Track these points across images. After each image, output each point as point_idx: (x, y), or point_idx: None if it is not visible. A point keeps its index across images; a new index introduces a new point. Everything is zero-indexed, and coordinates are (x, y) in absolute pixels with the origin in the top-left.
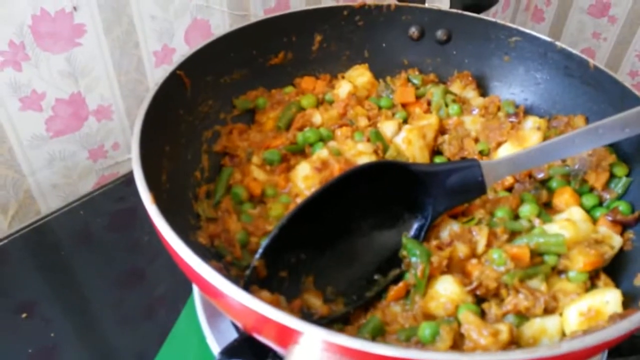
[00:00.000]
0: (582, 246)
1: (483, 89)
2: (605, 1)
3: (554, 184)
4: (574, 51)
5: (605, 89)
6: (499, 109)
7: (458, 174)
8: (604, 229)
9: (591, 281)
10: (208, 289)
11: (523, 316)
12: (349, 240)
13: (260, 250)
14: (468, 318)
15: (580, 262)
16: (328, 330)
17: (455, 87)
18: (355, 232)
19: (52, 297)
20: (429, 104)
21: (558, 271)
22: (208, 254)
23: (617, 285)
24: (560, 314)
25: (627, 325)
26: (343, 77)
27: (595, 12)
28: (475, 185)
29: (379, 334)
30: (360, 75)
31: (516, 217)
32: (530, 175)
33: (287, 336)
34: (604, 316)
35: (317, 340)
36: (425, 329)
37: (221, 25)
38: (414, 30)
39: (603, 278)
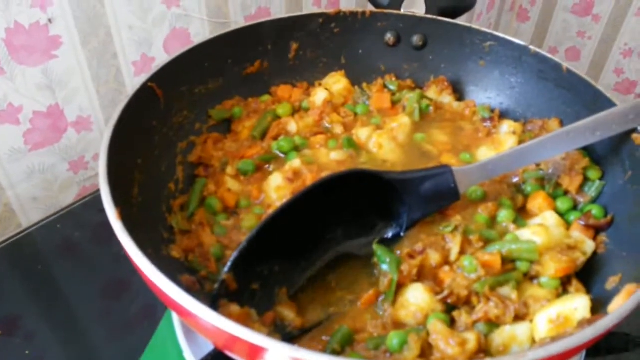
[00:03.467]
0: (554, 252)
1: (459, 94)
2: (589, 0)
3: (528, 188)
4: (548, 55)
5: (579, 92)
6: (474, 113)
7: (430, 181)
8: (577, 234)
9: (563, 287)
10: (175, 307)
11: (493, 324)
12: (323, 250)
13: (228, 264)
14: (436, 327)
15: (552, 269)
16: (292, 346)
17: (432, 92)
18: (329, 241)
19: (32, 311)
20: (404, 109)
21: (530, 277)
22: (182, 268)
23: (589, 289)
24: (531, 321)
25: (592, 332)
26: (320, 85)
27: (580, 11)
28: (449, 192)
29: (347, 344)
30: (336, 83)
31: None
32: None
33: (254, 353)
34: (572, 323)
35: (282, 357)
36: (393, 339)
37: (201, 33)
38: (390, 37)
39: (574, 284)
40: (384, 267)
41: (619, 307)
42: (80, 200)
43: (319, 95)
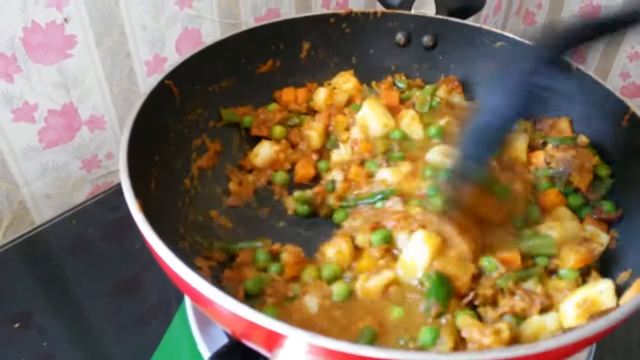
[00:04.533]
0: (572, 244)
1: (470, 93)
2: (595, 3)
3: (540, 186)
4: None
5: (588, 90)
6: None
7: None
8: (591, 228)
9: (582, 277)
10: (195, 295)
11: (519, 316)
12: None
13: None
14: (467, 321)
15: (571, 260)
16: (311, 334)
17: (442, 92)
18: None
19: (46, 307)
20: (414, 107)
21: (549, 271)
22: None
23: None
24: (557, 311)
25: (604, 324)
26: (329, 84)
27: (586, 15)
28: None
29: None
30: (346, 82)
31: None
32: None
33: (272, 340)
34: (599, 306)
35: (301, 343)
36: (425, 333)
37: (212, 33)
38: (400, 37)
39: (594, 274)
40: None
41: (630, 300)
42: (93, 198)
43: (319, 95)
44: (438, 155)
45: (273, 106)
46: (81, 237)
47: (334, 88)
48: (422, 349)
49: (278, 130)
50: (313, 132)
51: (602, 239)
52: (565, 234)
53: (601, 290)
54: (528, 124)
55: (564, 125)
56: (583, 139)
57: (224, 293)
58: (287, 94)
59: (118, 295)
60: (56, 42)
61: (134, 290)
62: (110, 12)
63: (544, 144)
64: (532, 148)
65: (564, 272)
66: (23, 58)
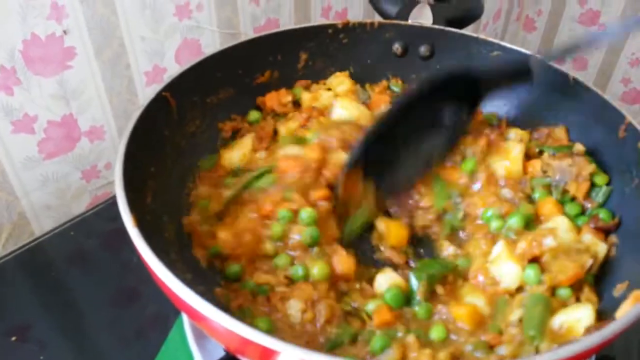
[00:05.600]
0: (561, 260)
1: None
2: (595, 10)
3: (536, 195)
4: (554, 64)
5: (585, 101)
6: (481, 123)
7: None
8: (589, 237)
9: (575, 294)
10: (189, 311)
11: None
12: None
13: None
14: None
15: (561, 277)
16: (305, 350)
17: None
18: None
19: (44, 319)
20: None
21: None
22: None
23: (601, 295)
24: None
25: (599, 338)
26: (324, 84)
27: (586, 21)
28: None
29: None
30: (340, 84)
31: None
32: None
33: (266, 356)
34: (575, 333)
35: (295, 359)
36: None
37: (211, 44)
38: (397, 47)
39: (586, 291)
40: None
41: (626, 313)
42: (92, 209)
43: (303, 96)
44: None
45: (256, 115)
46: (80, 249)
47: (329, 89)
48: None
49: (253, 115)
50: (283, 129)
51: (600, 248)
52: (558, 245)
53: (579, 317)
54: (525, 134)
55: (560, 134)
56: (579, 147)
57: (218, 309)
58: (271, 100)
59: (116, 307)
60: (56, 54)
61: (132, 302)
62: (109, 23)
63: (540, 153)
64: (528, 157)
65: (562, 292)
66: (22, 70)
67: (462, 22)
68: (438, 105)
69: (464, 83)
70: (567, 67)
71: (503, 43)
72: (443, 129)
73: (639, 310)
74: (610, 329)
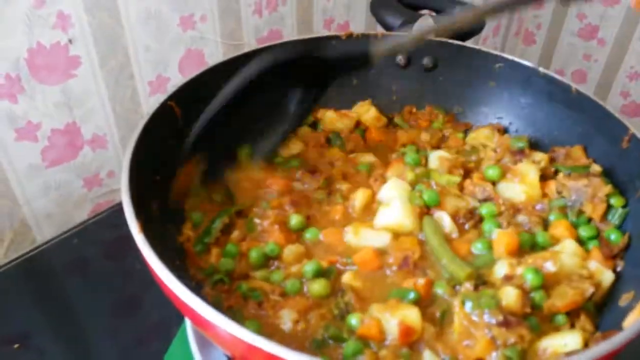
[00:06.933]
0: (562, 286)
1: (470, 115)
2: (594, 24)
3: (551, 217)
4: (557, 76)
5: (587, 112)
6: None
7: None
8: (594, 264)
9: (571, 320)
10: (195, 318)
11: None
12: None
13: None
14: None
15: (559, 303)
16: (313, 357)
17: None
18: None
19: (45, 327)
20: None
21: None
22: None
23: (601, 319)
24: None
25: (607, 347)
26: (348, 114)
27: (585, 35)
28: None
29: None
30: (366, 112)
31: None
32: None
33: None
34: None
35: None
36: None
37: (215, 54)
38: (400, 58)
39: (582, 319)
40: None
41: (633, 323)
42: (94, 217)
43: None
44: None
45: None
46: (82, 256)
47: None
48: None
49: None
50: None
51: (605, 277)
52: (560, 270)
53: (565, 343)
54: (544, 156)
55: (577, 153)
56: (596, 167)
57: (225, 316)
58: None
59: (118, 316)
60: (60, 62)
61: (135, 311)
62: (114, 33)
63: (556, 172)
64: (544, 178)
65: (558, 318)
66: (27, 78)
67: (464, 35)
68: (284, 90)
69: (307, 68)
70: (567, 80)
71: (505, 55)
72: (288, 114)
73: None
74: (618, 339)
